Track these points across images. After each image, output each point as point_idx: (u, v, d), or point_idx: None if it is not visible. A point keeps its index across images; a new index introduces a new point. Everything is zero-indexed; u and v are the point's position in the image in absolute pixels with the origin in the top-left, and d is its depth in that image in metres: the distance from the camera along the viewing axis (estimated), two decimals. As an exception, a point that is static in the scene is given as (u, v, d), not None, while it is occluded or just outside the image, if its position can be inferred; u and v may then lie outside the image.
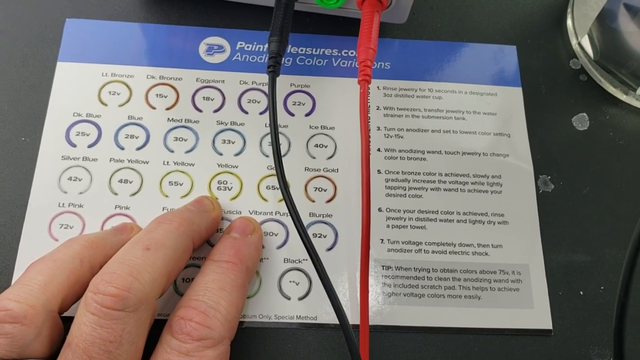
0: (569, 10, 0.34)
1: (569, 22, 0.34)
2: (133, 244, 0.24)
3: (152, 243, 0.23)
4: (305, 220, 0.29)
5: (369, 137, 0.29)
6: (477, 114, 0.32)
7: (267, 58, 0.28)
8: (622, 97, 0.33)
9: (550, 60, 0.34)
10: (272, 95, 0.27)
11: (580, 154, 0.32)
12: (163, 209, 0.29)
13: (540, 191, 0.30)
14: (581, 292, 0.29)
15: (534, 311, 0.28)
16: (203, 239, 0.27)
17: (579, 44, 0.34)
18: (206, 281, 0.24)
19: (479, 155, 0.31)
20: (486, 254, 0.29)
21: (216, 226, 0.28)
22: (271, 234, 0.29)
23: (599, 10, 0.32)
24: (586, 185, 0.31)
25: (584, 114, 0.32)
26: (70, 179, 0.29)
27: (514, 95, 0.33)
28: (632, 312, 0.28)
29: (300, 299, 0.28)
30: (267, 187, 0.29)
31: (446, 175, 0.30)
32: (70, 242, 0.25)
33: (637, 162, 0.31)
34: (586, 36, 0.33)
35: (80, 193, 0.29)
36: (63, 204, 0.28)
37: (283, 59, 0.32)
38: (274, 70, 0.27)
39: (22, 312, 0.21)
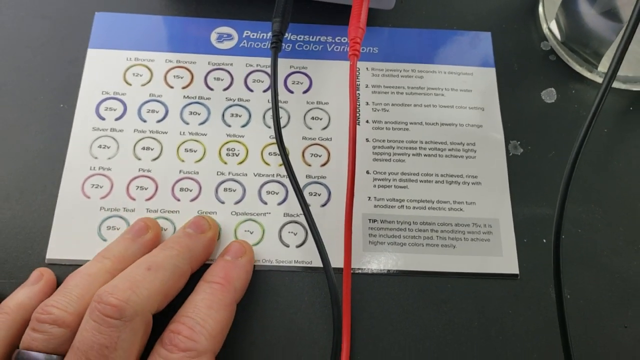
0: (541, -2, 0.39)
1: (540, 8, 0.39)
2: (137, 264, 0.27)
3: (153, 265, 0.27)
4: (302, 181, 0.33)
5: (357, 105, 0.34)
6: (455, 90, 0.36)
7: (269, 40, 0.32)
8: (587, 74, 0.37)
9: (523, 42, 0.38)
10: (274, 68, 0.31)
11: (548, 123, 0.36)
12: (180, 171, 0.33)
13: (511, 154, 0.35)
14: (544, 240, 0.33)
15: (502, 259, 0.32)
16: (201, 262, 0.30)
17: (549, 28, 0.38)
18: (196, 300, 0.27)
19: (456, 125, 0.35)
20: (461, 209, 0.33)
21: (212, 245, 0.31)
22: (273, 192, 0.33)
23: (563, -4, 0.36)
24: (552, 149, 0.35)
25: (552, 89, 0.37)
26: (100, 146, 0.34)
27: (488, 75, 0.37)
28: (586, 258, 0.32)
29: (298, 246, 0.32)
30: (269, 154, 0.34)
31: (426, 143, 0.35)
32: (101, 258, 0.28)
33: (597, 131, 0.35)
34: (554, 21, 0.37)
35: (109, 158, 0.33)
36: (94, 167, 0.33)
37: (284, 44, 0.37)
38: (276, 46, 0.32)
39: (62, 317, 0.25)
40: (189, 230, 0.30)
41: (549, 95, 0.36)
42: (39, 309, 0.26)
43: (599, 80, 0.37)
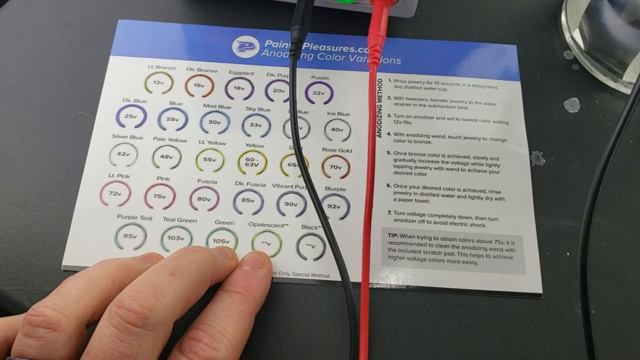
0: (563, 6, 0.38)
1: (563, 17, 0.38)
2: (160, 268, 0.25)
3: (177, 270, 0.25)
4: (322, 193, 0.33)
5: (379, 117, 0.34)
6: (479, 104, 0.35)
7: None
8: (612, 84, 0.36)
9: (545, 51, 0.37)
10: (292, 76, 0.31)
11: (571, 133, 0.35)
12: (198, 180, 0.33)
13: (533, 165, 0.34)
14: (568, 253, 0.32)
15: (525, 277, 0.31)
16: (219, 278, 0.29)
17: (572, 37, 0.37)
18: (216, 309, 0.26)
19: (479, 139, 0.34)
20: (483, 225, 0.32)
21: (234, 266, 0.30)
22: (291, 204, 0.33)
23: (586, 4, 0.35)
24: (575, 160, 0.34)
25: (576, 99, 0.36)
26: (119, 153, 0.33)
27: (513, 89, 0.36)
28: (612, 271, 0.31)
29: (316, 259, 0.31)
30: (288, 164, 0.33)
31: (449, 156, 0.34)
32: (105, 263, 0.27)
33: (622, 141, 0.34)
34: (577, 29, 0.37)
35: (128, 166, 0.33)
36: (112, 174, 0.33)
37: (306, 54, 0.36)
38: (295, 54, 0.32)
39: (57, 320, 0.23)
40: (214, 251, 0.30)
41: (572, 105, 0.36)
42: (31, 311, 0.23)
43: (624, 89, 0.36)
